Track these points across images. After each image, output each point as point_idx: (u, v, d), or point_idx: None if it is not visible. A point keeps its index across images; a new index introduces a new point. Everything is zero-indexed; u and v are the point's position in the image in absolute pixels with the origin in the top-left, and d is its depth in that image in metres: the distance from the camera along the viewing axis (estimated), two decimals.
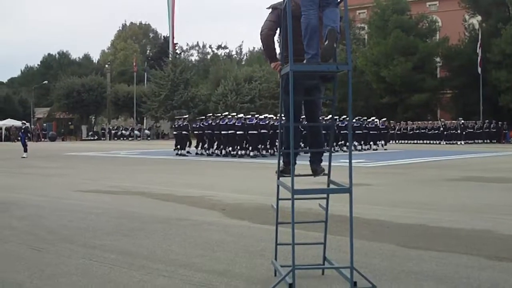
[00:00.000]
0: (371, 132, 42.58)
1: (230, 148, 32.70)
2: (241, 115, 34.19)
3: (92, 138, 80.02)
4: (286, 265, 6.12)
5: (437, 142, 55.84)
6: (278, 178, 6.51)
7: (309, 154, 6.81)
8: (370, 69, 65.08)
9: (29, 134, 42.72)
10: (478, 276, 6.71)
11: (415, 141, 57.32)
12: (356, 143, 40.41)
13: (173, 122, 66.62)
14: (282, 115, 6.78)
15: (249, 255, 7.73)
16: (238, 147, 32.38)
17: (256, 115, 33.41)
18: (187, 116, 39.80)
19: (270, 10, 6.67)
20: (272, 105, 68.49)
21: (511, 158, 31.67)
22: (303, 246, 7.41)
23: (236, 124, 32.58)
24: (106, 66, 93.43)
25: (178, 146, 35.63)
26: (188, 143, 35.91)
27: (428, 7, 75.77)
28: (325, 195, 6.56)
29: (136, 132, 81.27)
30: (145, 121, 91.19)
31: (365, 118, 43.75)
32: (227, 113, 37.13)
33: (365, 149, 41.05)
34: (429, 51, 65.20)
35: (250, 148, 32.30)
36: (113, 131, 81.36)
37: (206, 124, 34.94)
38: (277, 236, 6.68)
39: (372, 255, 7.67)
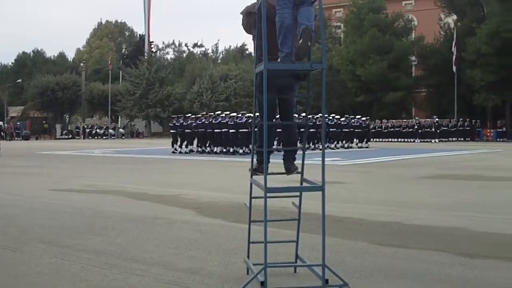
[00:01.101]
0: (356, 130, 43.13)
1: (222, 147, 33.23)
2: (234, 113, 34.31)
3: (66, 137, 79.36)
4: (258, 263, 6.12)
5: (412, 140, 56.13)
6: (252, 177, 6.51)
7: (283, 153, 6.81)
8: (345, 67, 65.28)
9: (2, 133, 42.32)
10: (450, 273, 6.77)
11: (390, 140, 57.50)
12: (343, 142, 41.52)
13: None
14: (256, 113, 6.78)
15: (222, 253, 7.73)
16: (232, 146, 32.83)
17: (248, 114, 33.53)
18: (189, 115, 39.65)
19: (246, 14, 6.67)
20: (248, 104, 68.45)
21: (484, 156, 31.93)
22: (276, 244, 7.41)
23: (229, 123, 32.86)
24: (81, 64, 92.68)
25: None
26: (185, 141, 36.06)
27: (404, 6, 76.13)
28: (298, 193, 6.57)
29: (110, 130, 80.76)
30: (119, 119, 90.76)
31: (352, 116, 44.45)
32: (219, 112, 37.53)
33: (351, 147, 41.69)
34: (405, 50, 65.53)
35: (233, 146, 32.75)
36: (87, 130, 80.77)
37: (200, 122, 35.08)
38: (249, 235, 6.68)
39: (344, 253, 7.70)
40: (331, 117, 40.98)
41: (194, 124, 35.19)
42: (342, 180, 17.50)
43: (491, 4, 56.49)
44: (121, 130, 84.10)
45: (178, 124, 36.15)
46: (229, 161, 27.57)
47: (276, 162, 6.74)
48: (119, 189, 15.50)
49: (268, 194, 5.63)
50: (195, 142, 35.38)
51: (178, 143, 35.61)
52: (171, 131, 37.48)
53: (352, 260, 7.32)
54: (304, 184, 6.33)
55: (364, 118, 45.33)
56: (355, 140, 43.03)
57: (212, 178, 19.36)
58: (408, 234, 9.10)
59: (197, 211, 11.59)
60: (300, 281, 6.35)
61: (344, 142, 41.56)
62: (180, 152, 34.76)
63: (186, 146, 35.31)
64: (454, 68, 59.79)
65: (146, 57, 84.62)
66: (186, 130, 35.43)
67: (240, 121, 32.37)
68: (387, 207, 12.09)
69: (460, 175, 19.50)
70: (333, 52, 67.69)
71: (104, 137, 77.40)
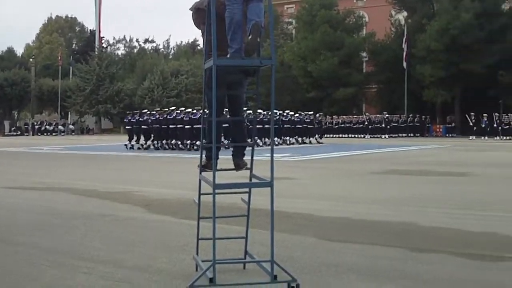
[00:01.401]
0: (308, 126, 43.47)
1: (176, 141, 33.40)
2: (189, 109, 34.30)
3: (15, 133, 78.23)
4: (207, 260, 6.10)
5: (362, 136, 56.50)
6: (200, 173, 6.50)
7: (232, 149, 6.81)
8: (297, 63, 65.40)
9: None
10: (398, 267, 6.83)
11: (340, 135, 57.87)
12: (297, 137, 42.03)
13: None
14: (205, 109, 6.76)
15: (170, 250, 7.70)
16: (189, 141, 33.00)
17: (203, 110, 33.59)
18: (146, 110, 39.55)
19: (194, 10, 6.65)
20: (199, 99, 68.10)
21: (434, 152, 32.31)
22: (225, 240, 7.41)
23: (184, 118, 33.06)
24: (31, 60, 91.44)
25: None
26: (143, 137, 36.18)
27: (355, 2, 76.52)
28: (247, 189, 6.57)
29: (60, 127, 79.67)
30: (69, 116, 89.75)
31: (306, 112, 44.95)
32: (174, 107, 37.86)
33: (305, 143, 42.13)
34: (356, 46, 65.88)
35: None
36: (36, 126, 79.65)
37: (155, 118, 35.25)
38: (198, 231, 6.67)
39: (293, 249, 7.72)
40: (285, 113, 41.25)
41: (149, 120, 35.28)
42: (292, 176, 17.55)
43: (441, 1, 57.11)
44: (71, 126, 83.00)
45: (134, 120, 36.19)
46: (180, 157, 27.44)
47: (225, 158, 6.73)
48: (69, 186, 15.32)
49: (217, 191, 5.62)
50: (151, 138, 35.52)
51: (134, 139, 35.55)
52: (127, 127, 37.52)
53: (301, 256, 7.34)
54: (253, 180, 6.33)
55: (317, 114, 45.71)
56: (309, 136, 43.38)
57: (163, 174, 19.28)
58: (357, 229, 9.16)
59: (146, 208, 11.53)
60: (249, 277, 6.34)
61: (298, 138, 41.95)
62: (139, 148, 34.77)
63: (141, 142, 35.36)
64: (404, 64, 60.33)
65: (96, 53, 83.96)
66: (142, 126, 35.52)
67: (195, 117, 32.32)
68: (337, 202, 12.17)
69: (409, 170, 19.70)
70: (285, 48, 67.85)
71: (54, 134, 76.37)
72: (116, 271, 6.68)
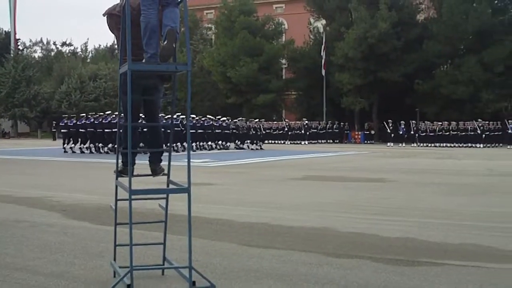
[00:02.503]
0: (226, 131, 43.65)
1: (113, 145, 33.39)
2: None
3: None
4: (124, 266, 6.04)
5: (282, 142, 56.81)
6: (117, 178, 6.42)
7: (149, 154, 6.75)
8: (216, 69, 65.35)
9: None
10: (316, 272, 6.89)
11: None
12: (221, 142, 42.53)
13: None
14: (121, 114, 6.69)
15: (88, 256, 7.59)
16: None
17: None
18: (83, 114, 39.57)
19: (107, 15, 6.60)
20: (117, 104, 67.62)
21: (352, 158, 32.74)
22: (145, 246, 7.37)
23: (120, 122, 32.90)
24: None
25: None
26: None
27: (275, 9, 77.02)
28: (164, 195, 6.53)
29: None
30: None
31: (231, 118, 45.28)
32: (109, 111, 38.07)
33: (227, 147, 42.81)
34: (275, 53, 66.20)
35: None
36: None
37: (89, 122, 35.94)
38: (115, 237, 6.60)
39: (213, 254, 7.71)
40: (204, 119, 41.57)
41: (86, 123, 36.06)
42: (212, 181, 17.55)
43: (358, 10, 57.97)
44: None
45: (72, 123, 36.99)
46: (105, 162, 27.08)
47: (143, 163, 6.67)
48: None
49: (133, 196, 5.58)
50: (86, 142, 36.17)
51: (70, 143, 36.37)
52: (63, 130, 38.67)
53: (220, 262, 7.33)
54: (171, 186, 6.30)
55: (242, 120, 46.24)
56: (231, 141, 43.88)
57: (81, 179, 18.99)
58: (275, 235, 9.20)
59: (63, 213, 11.34)
60: (168, 284, 6.32)
61: (220, 143, 42.43)
62: (73, 152, 35.27)
63: (78, 146, 36.10)
64: (323, 72, 60.96)
65: (12, 55, 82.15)
66: (80, 130, 36.20)
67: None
68: (256, 208, 12.20)
69: (327, 176, 19.92)
70: (204, 54, 67.85)
71: None
72: (31, 278, 6.56)
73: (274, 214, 11.27)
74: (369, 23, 55.86)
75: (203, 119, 42.15)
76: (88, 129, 35.43)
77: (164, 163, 6.60)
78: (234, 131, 44.22)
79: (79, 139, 36.29)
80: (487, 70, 53.55)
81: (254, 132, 44.82)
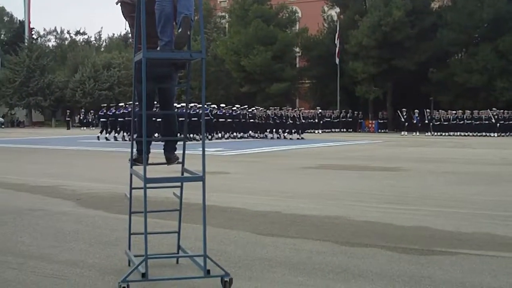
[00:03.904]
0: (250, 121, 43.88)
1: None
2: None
3: None
4: (139, 255, 6.04)
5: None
6: (131, 167, 6.43)
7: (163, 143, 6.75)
8: (230, 58, 65.29)
9: None
10: (330, 261, 6.88)
11: None
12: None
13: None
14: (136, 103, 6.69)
15: (103, 245, 7.61)
16: None
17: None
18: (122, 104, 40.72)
19: (120, 4, 6.58)
20: (131, 93, 67.65)
21: (366, 147, 32.67)
22: (159, 235, 7.38)
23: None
24: None
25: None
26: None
27: None
28: (179, 184, 6.53)
29: None
30: None
31: (246, 107, 45.05)
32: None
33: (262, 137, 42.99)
34: (289, 41, 66.11)
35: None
36: None
37: (127, 111, 36.34)
38: (130, 226, 6.60)
39: (227, 243, 7.71)
40: (234, 108, 42.21)
41: (124, 112, 36.82)
42: (227, 170, 17.56)
43: None
44: (0, 119, 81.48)
45: (111, 113, 38.48)
46: (116, 151, 27.13)
47: (157, 152, 6.68)
48: None
49: (148, 185, 5.58)
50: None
51: (108, 132, 37.92)
52: (102, 120, 40.39)
53: (234, 250, 7.34)
54: (185, 174, 6.30)
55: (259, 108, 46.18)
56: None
57: (95, 168, 19.02)
58: (289, 223, 9.19)
59: (77, 202, 11.37)
60: (182, 272, 6.32)
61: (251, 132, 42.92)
62: (117, 140, 36.46)
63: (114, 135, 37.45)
64: (337, 60, 60.88)
65: (26, 44, 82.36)
66: (119, 119, 37.37)
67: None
68: (270, 197, 12.20)
69: (341, 165, 19.90)
70: (218, 42, 67.80)
71: None
72: (46, 266, 6.58)
73: (288, 203, 11.27)
74: (383, 11, 55.70)
75: (233, 108, 42.86)
76: (126, 118, 35.70)
77: (178, 152, 6.60)
78: (270, 121, 44.13)
79: (118, 128, 37.57)
80: (502, 58, 53.30)
81: (292, 121, 44.31)
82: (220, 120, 40.72)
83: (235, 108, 42.81)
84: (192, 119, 34.01)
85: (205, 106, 31.75)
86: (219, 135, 40.14)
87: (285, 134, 43.11)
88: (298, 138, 42.19)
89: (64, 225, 8.95)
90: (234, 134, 41.63)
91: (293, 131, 43.52)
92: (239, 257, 7.01)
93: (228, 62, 66.03)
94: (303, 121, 47.96)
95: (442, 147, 32.02)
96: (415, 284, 6.04)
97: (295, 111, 46.84)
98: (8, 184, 14.17)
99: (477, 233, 8.54)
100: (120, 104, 39.85)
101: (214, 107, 40.42)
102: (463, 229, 8.78)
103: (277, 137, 42.67)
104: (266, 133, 43.25)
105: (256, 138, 42.14)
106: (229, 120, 41.40)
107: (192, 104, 36.21)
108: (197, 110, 36.41)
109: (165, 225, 8.18)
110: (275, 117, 43.88)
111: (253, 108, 45.06)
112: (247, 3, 66.18)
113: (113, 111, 38.75)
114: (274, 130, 43.52)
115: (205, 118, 32.33)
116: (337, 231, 8.65)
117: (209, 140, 36.98)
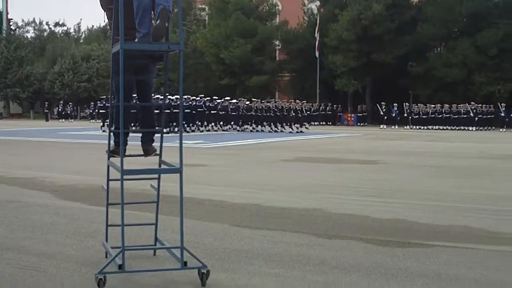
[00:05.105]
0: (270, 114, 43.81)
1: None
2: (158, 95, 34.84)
3: None
4: (116, 247, 6.04)
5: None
6: (109, 158, 6.42)
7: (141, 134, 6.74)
8: (209, 50, 65.07)
9: None
10: (307, 253, 6.92)
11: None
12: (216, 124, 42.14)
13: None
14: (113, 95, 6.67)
15: (80, 237, 7.61)
16: None
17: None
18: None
19: None
20: (110, 85, 67.32)
21: (345, 140, 32.75)
22: (137, 227, 7.38)
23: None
24: None
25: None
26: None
27: None
28: (156, 176, 6.53)
29: None
30: None
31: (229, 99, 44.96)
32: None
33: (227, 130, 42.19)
34: (269, 34, 65.96)
35: None
36: None
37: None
38: (107, 218, 6.59)
39: (204, 235, 7.73)
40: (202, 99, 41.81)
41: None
42: (205, 162, 17.57)
43: None
44: None
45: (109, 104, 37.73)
46: (94, 143, 27.03)
47: (135, 144, 6.67)
48: None
49: (125, 177, 5.58)
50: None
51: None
52: (101, 111, 40.96)
53: (212, 242, 7.36)
54: (163, 166, 6.30)
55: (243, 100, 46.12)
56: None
57: (73, 160, 18.97)
58: (267, 216, 9.23)
59: (55, 194, 11.35)
60: (159, 264, 6.34)
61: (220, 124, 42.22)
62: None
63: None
64: (317, 53, 60.83)
65: (4, 35, 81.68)
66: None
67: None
68: (248, 189, 12.23)
69: (319, 158, 19.95)
70: (198, 35, 67.56)
71: None
72: (22, 258, 6.57)
73: (266, 196, 11.30)
74: (363, 4, 55.73)
75: (232, 101, 43.17)
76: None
77: (156, 144, 6.59)
78: (271, 114, 43.80)
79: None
80: (480, 53, 53.48)
81: (294, 114, 44.13)
82: (212, 112, 40.81)
83: (234, 100, 43.25)
84: (185, 110, 34.83)
85: (198, 98, 32.39)
86: (211, 126, 40.22)
87: (286, 126, 42.81)
88: (297, 131, 41.81)
89: (41, 217, 8.93)
90: (233, 125, 41.67)
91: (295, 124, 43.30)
92: (216, 249, 7.03)
93: (207, 55, 65.83)
94: (305, 114, 47.95)
95: (421, 141, 32.14)
96: (391, 276, 6.09)
97: (298, 103, 46.63)
98: None
99: (453, 225, 8.61)
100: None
101: (208, 99, 40.75)
102: (439, 221, 8.85)
103: (275, 130, 42.26)
104: (246, 126, 42.95)
105: (252, 131, 42.00)
106: (222, 112, 41.45)
107: (186, 97, 36.70)
108: (190, 102, 36.74)
109: (142, 217, 8.17)
110: (275, 110, 43.74)
111: (250, 101, 45.08)
112: None
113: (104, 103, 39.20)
114: (271, 123, 43.21)
115: (199, 110, 32.80)
116: (315, 223, 8.69)
117: (201, 132, 37.84)
